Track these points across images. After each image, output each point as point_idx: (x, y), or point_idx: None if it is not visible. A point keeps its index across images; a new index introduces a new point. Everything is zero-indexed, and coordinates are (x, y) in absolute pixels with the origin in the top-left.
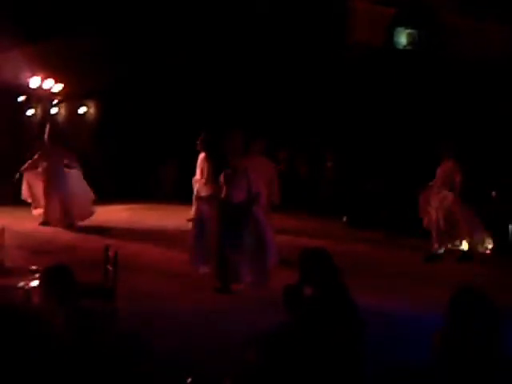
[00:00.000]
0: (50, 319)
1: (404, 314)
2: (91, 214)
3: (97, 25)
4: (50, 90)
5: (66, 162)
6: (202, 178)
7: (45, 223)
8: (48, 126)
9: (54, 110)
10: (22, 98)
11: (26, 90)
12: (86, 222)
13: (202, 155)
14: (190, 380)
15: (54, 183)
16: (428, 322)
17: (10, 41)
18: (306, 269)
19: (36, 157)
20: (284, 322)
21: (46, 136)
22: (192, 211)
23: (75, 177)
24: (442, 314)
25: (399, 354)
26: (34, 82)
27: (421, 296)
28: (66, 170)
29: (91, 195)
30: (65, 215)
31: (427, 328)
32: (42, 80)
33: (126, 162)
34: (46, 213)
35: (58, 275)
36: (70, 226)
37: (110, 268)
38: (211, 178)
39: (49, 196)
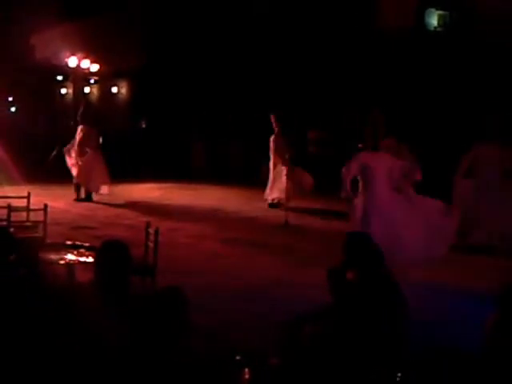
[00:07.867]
0: (99, 298)
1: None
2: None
3: (131, 6)
4: (87, 69)
5: (100, 140)
6: None
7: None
8: (82, 106)
9: (87, 90)
10: (60, 77)
11: (63, 68)
12: (120, 200)
13: None
14: (238, 358)
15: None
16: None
17: (51, 19)
18: (350, 253)
19: (79, 140)
20: (328, 304)
21: (78, 114)
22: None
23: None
24: (491, 299)
25: (448, 335)
26: (72, 61)
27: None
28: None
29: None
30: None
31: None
32: (79, 60)
33: (156, 141)
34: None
35: (116, 250)
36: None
37: (151, 244)
38: None
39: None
